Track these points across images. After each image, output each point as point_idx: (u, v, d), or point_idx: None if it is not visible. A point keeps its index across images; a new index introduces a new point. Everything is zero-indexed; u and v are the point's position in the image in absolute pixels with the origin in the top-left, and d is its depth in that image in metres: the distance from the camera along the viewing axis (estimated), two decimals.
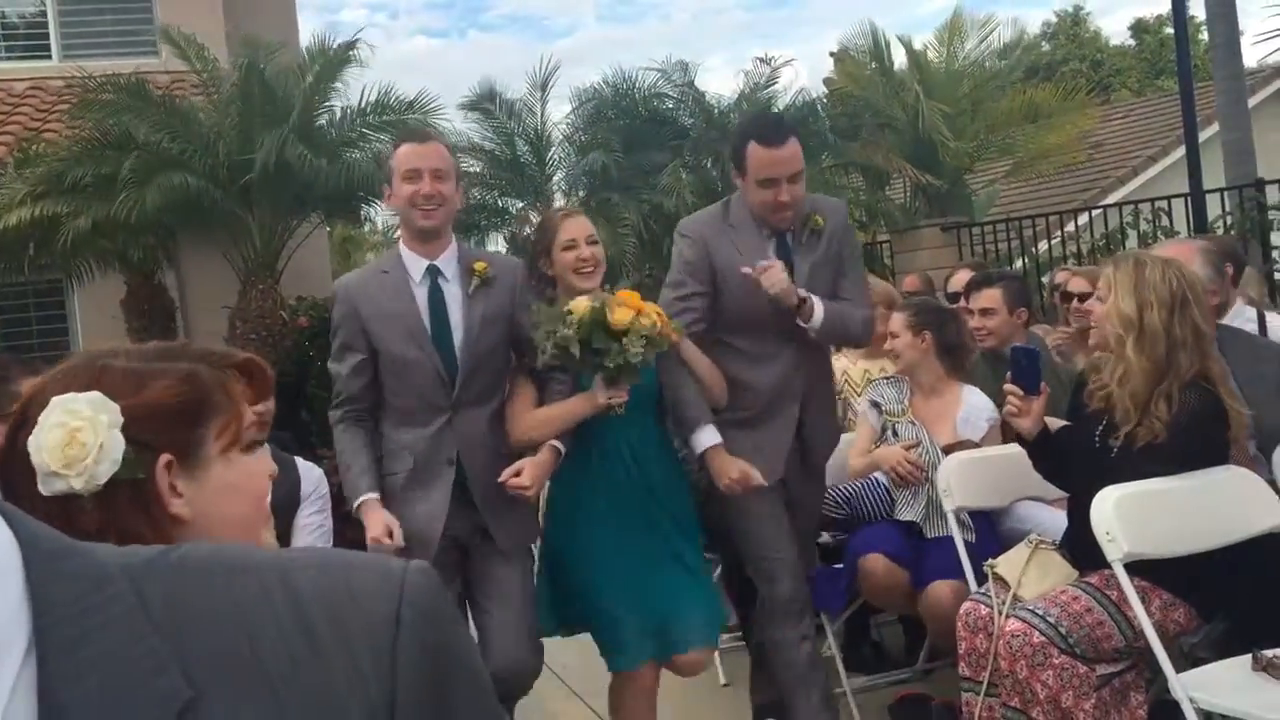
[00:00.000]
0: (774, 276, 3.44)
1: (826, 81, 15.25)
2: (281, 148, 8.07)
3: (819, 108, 11.75)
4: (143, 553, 0.72)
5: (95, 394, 1.13)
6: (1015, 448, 3.48)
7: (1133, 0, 34.93)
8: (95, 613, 0.66)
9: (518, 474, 3.31)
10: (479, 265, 3.41)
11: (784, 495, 3.70)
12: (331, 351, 3.49)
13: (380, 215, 12.09)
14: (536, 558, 3.64)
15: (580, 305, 3.24)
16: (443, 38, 60.91)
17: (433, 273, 3.41)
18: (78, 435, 1.11)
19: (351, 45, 9.01)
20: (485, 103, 11.78)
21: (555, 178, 12.12)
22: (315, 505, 3.62)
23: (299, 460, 3.74)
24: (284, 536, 3.46)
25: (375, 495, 3.37)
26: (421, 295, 3.39)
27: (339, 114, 9.37)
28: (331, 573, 0.73)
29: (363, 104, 9.23)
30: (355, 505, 3.38)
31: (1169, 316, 3.09)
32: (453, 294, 3.40)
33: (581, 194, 11.64)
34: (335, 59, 8.99)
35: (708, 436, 3.48)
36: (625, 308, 3.26)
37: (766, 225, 3.65)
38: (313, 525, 3.57)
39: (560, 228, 3.54)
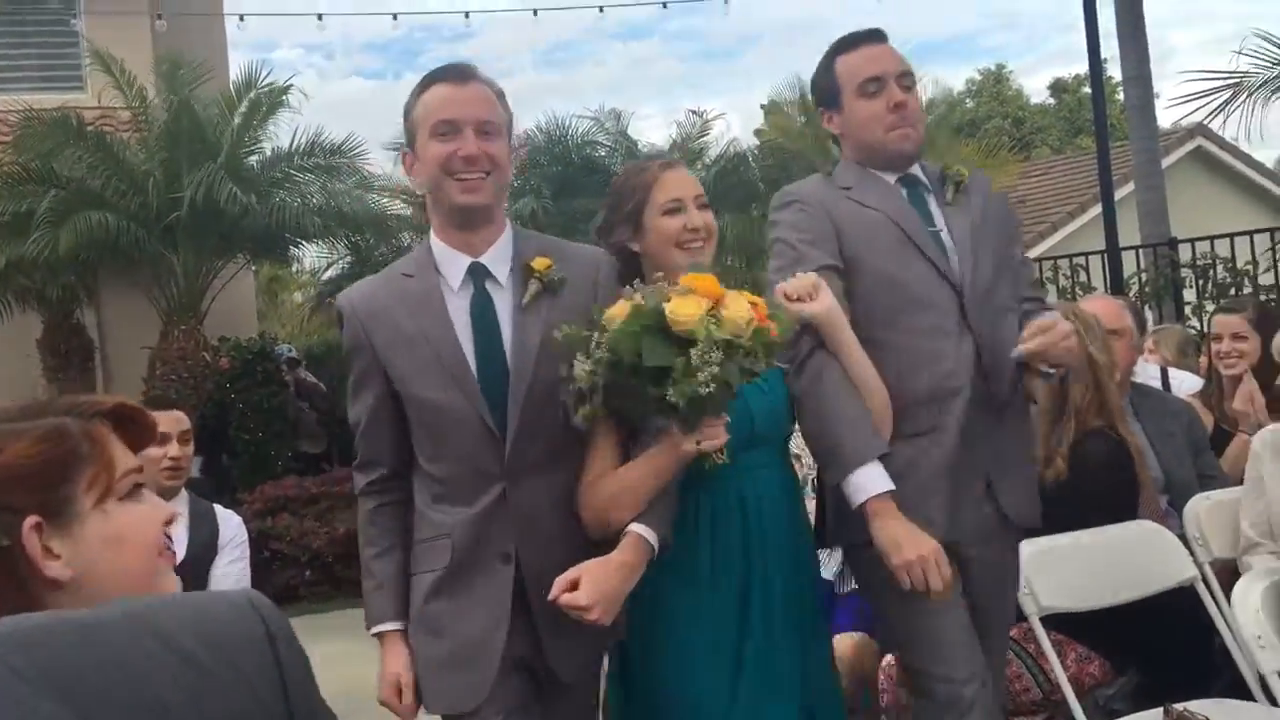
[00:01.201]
0: (800, 285, 2.39)
1: (758, 133, 15.49)
2: (210, 186, 8.01)
3: (750, 159, 11.95)
4: None
5: None
6: None
7: (1053, 60, 36.12)
8: None
9: (574, 586, 2.17)
10: (539, 262, 2.33)
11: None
12: (349, 391, 2.49)
13: (310, 256, 11.98)
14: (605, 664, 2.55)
15: (619, 309, 2.15)
16: (379, 79, 60.82)
17: (477, 274, 2.35)
18: None
19: (284, 90, 9.00)
20: None
21: None
22: (233, 554, 3.55)
23: (217, 508, 3.68)
24: (201, 586, 3.38)
25: (399, 627, 2.35)
26: (460, 309, 2.33)
27: (268, 154, 9.34)
28: (185, 606, 0.82)
29: (293, 147, 9.22)
30: (371, 631, 2.40)
31: None
32: (506, 305, 2.35)
33: None
34: (266, 102, 8.97)
35: (872, 479, 2.33)
36: (692, 297, 2.10)
37: (888, 161, 2.67)
38: (231, 575, 3.50)
39: (659, 183, 2.51)
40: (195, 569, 3.37)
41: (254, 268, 11.68)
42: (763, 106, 16.60)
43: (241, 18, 10.82)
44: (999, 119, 28.72)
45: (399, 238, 11.28)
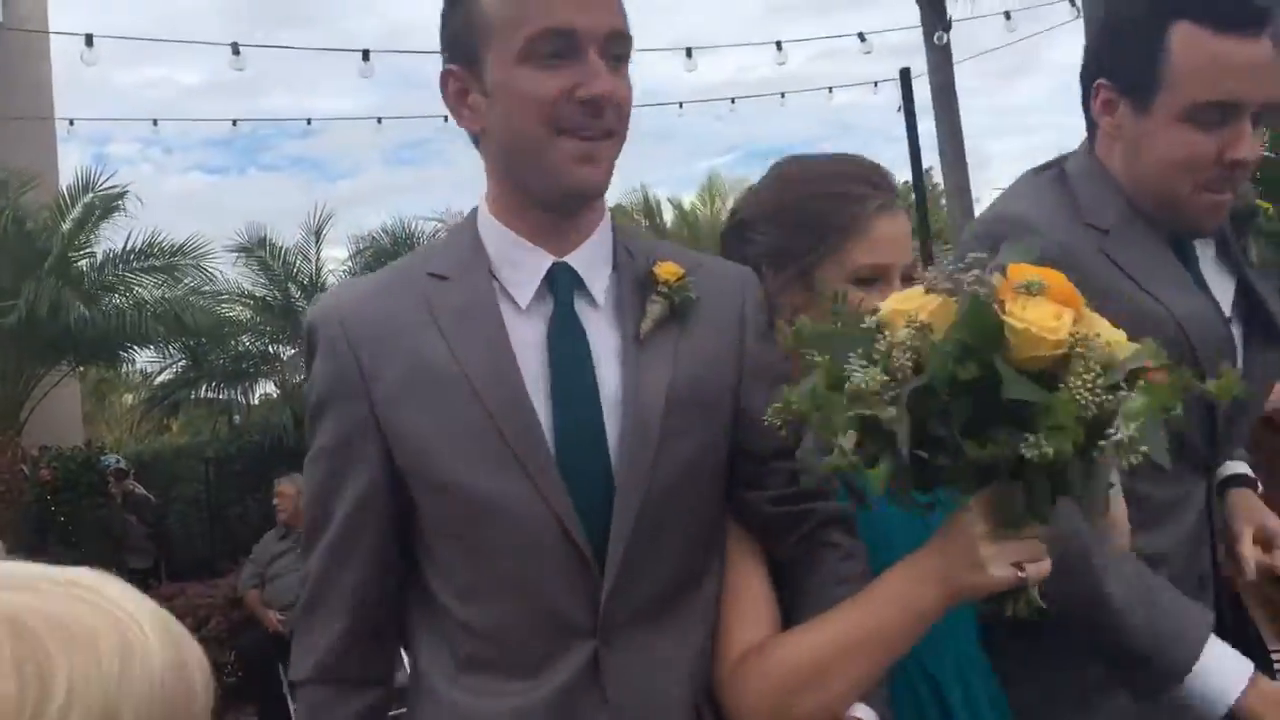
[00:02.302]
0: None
1: None
2: (50, 295, 7.78)
3: None
4: None
5: None
6: None
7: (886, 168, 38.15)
8: None
9: None
10: (666, 269, 1.40)
11: None
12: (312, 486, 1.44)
13: (142, 358, 11.58)
14: None
15: (911, 299, 1.21)
16: (220, 175, 59.83)
17: (562, 284, 1.38)
18: None
19: (120, 195, 8.80)
20: (255, 248, 11.58)
21: None
22: None
23: None
24: None
25: None
26: (530, 338, 1.35)
27: (100, 258, 9.08)
28: None
29: (127, 249, 9.00)
30: None
31: None
32: (608, 337, 1.38)
33: None
34: (100, 206, 8.76)
35: (1224, 663, 1.50)
36: (1045, 302, 1.14)
37: (1171, 223, 1.72)
38: None
39: (867, 234, 1.50)
40: None
41: (80, 370, 11.23)
42: (610, 210, 16.99)
43: (71, 122, 10.54)
44: None
45: (238, 340, 11.06)
